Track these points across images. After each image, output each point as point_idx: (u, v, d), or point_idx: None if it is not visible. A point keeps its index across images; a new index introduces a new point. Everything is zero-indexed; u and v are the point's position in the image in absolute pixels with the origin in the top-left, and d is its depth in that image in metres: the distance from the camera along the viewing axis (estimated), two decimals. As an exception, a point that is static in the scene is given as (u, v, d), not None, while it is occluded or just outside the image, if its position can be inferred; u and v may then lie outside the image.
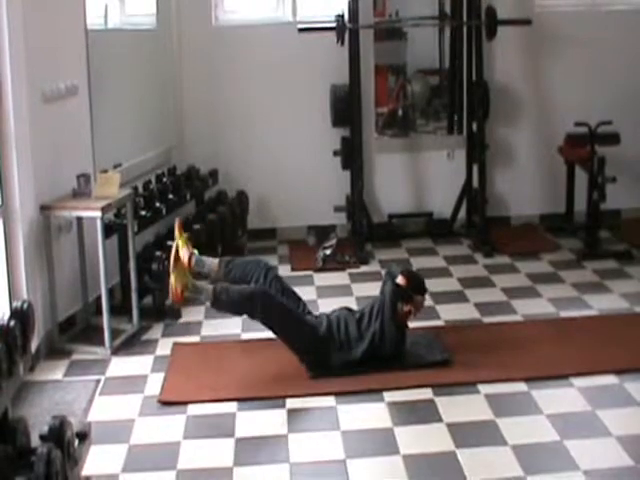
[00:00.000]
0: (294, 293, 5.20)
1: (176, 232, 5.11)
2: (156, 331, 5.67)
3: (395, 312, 4.91)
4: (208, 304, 5.03)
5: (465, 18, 7.39)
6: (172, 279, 4.95)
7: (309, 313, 5.16)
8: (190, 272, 5.02)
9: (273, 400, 4.67)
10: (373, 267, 6.84)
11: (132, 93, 6.63)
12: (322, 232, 7.40)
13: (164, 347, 5.39)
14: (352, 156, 7.19)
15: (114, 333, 5.39)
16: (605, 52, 7.61)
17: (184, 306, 5.99)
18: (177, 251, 5.02)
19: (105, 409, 4.67)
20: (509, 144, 7.75)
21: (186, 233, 5.24)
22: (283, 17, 7.51)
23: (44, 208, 5.24)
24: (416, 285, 5.07)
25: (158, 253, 5.86)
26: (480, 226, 7.29)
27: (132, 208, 5.63)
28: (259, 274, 5.11)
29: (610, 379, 4.78)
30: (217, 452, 4.19)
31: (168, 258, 5.14)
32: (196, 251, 5.14)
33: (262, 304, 4.85)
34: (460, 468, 3.96)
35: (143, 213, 6.05)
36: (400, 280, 5.02)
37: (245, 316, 5.08)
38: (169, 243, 6.02)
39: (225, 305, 4.93)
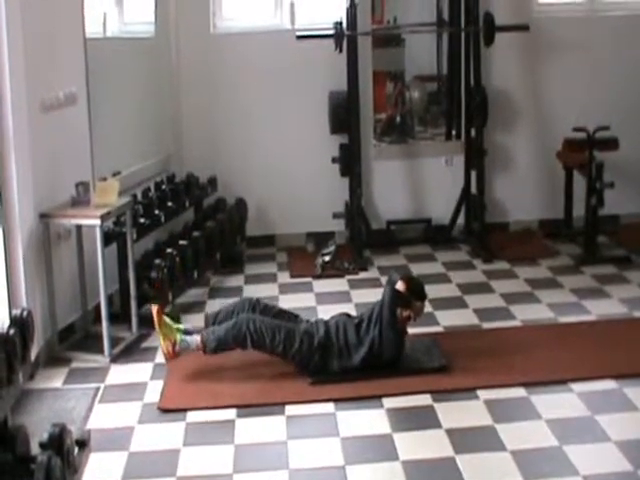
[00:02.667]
0: (287, 312, 5.23)
1: (155, 320, 5.06)
2: (155, 339, 5.63)
3: (394, 318, 4.92)
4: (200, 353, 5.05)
5: (463, 24, 7.40)
6: (161, 340, 5.01)
7: (307, 322, 5.17)
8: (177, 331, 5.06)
9: (272, 407, 4.67)
10: (372, 274, 6.84)
11: (131, 101, 6.64)
12: (321, 239, 7.40)
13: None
14: (351, 163, 7.20)
15: (113, 341, 5.40)
16: (603, 57, 7.63)
17: (183, 313, 6.02)
18: (159, 316, 5.03)
19: (104, 417, 4.67)
20: (507, 150, 7.76)
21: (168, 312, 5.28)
22: (281, 24, 7.52)
23: (43, 216, 5.24)
24: (416, 291, 5.07)
25: (157, 261, 5.87)
26: (479, 232, 7.30)
27: (131, 216, 5.64)
28: (247, 311, 5.11)
29: (609, 384, 4.78)
30: (216, 459, 4.20)
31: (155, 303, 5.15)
32: (181, 325, 5.14)
33: (248, 329, 4.91)
34: (459, 474, 3.96)
35: (142, 221, 6.05)
36: (399, 286, 5.03)
37: (240, 349, 5.03)
38: (168, 250, 6.06)
39: (215, 346, 4.98)
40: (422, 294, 5.09)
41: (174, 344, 4.99)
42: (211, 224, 6.74)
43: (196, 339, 5.01)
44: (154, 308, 5.10)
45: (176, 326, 5.08)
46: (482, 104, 7.27)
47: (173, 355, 5.03)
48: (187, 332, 5.09)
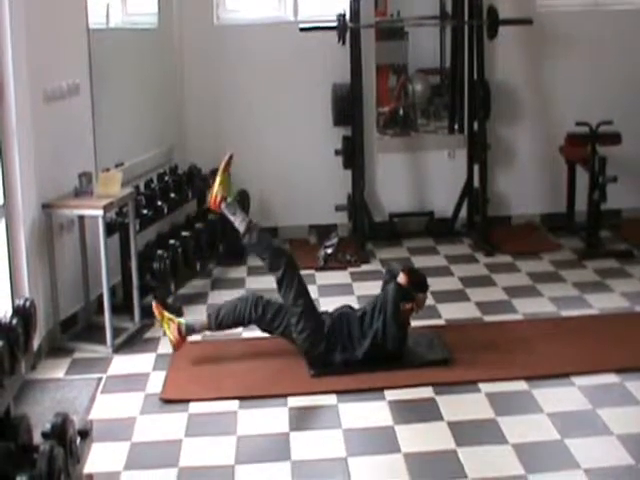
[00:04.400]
0: (309, 292, 5.19)
1: (156, 315, 5.14)
2: (158, 329, 5.66)
3: (398, 311, 4.92)
4: (206, 329, 5.14)
5: (466, 17, 7.39)
6: (217, 182, 5.03)
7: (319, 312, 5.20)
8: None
9: (274, 398, 4.68)
10: (374, 266, 6.84)
11: (134, 92, 6.63)
12: (323, 231, 7.41)
13: (166, 345, 5.37)
14: (353, 155, 7.20)
15: (116, 331, 5.40)
16: (606, 52, 7.62)
17: (186, 305, 6.02)
18: (228, 163, 5.08)
19: (107, 407, 4.68)
20: (510, 143, 7.75)
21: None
22: (285, 16, 7.51)
23: (46, 207, 5.25)
24: (418, 283, 5.07)
25: (160, 252, 5.87)
26: (481, 225, 7.30)
27: (134, 207, 5.64)
28: (250, 310, 5.08)
29: (611, 378, 4.79)
30: (219, 450, 4.20)
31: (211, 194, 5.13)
32: (183, 320, 5.18)
33: (287, 264, 4.98)
34: (461, 466, 3.97)
35: (145, 212, 6.05)
36: (401, 278, 5.03)
37: (267, 263, 5.07)
38: (171, 242, 6.06)
39: (257, 241, 5.05)
40: (424, 285, 5.09)
41: (224, 197, 5.00)
42: (214, 215, 6.73)
43: (244, 217, 5.06)
44: (153, 304, 5.14)
45: (178, 320, 5.11)
46: (485, 98, 7.27)
47: (180, 340, 5.05)
48: (189, 326, 5.11)
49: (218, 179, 5.07)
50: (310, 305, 5.04)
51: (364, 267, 6.83)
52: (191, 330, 5.11)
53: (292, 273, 5.01)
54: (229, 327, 5.15)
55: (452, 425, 4.34)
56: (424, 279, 5.13)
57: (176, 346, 5.11)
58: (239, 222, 5.08)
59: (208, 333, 5.24)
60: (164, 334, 5.19)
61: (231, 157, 5.14)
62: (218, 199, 5.07)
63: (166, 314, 5.13)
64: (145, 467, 4.08)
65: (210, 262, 6.81)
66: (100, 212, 5.19)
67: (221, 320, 5.10)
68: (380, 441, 4.26)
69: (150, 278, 5.85)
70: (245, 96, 7.48)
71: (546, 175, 7.81)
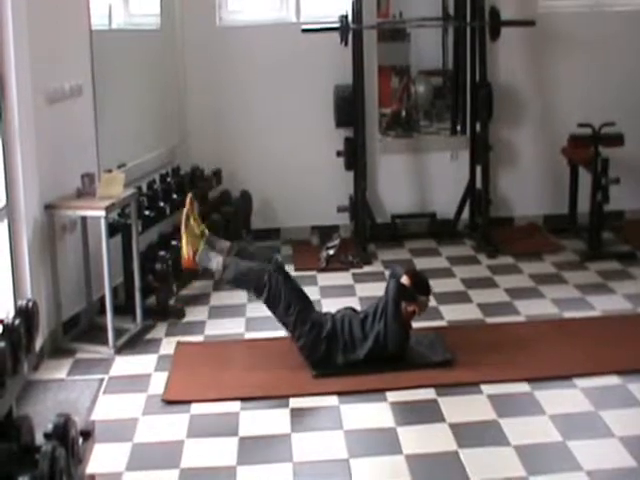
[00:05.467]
0: (302, 291, 5.15)
1: (184, 215, 5.10)
2: (160, 330, 5.68)
3: (399, 311, 4.92)
4: (216, 277, 5.11)
5: (469, 19, 7.38)
6: (183, 244, 5.02)
7: (317, 312, 5.18)
8: (202, 237, 5.06)
9: (276, 399, 4.68)
10: (376, 267, 6.84)
11: (136, 93, 6.64)
12: (325, 232, 7.41)
13: (168, 346, 5.39)
14: (355, 157, 7.19)
15: (118, 332, 5.41)
16: (609, 53, 7.61)
17: (187, 305, 6.02)
18: (187, 218, 5.05)
19: (109, 408, 4.68)
20: (512, 145, 7.75)
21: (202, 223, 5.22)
22: (287, 17, 7.52)
23: (48, 207, 5.25)
24: (420, 285, 5.06)
25: (162, 253, 5.88)
26: (483, 227, 7.29)
27: (136, 208, 5.64)
28: (263, 282, 4.97)
29: (613, 380, 4.78)
30: (220, 451, 4.20)
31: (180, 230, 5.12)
32: (203, 245, 5.07)
33: (270, 282, 4.90)
34: (463, 468, 3.96)
35: (147, 213, 6.06)
36: (404, 280, 5.02)
37: (253, 292, 5.06)
38: (173, 243, 6.06)
39: (233, 277, 4.98)
40: (427, 289, 5.09)
41: (195, 251, 5.00)
42: (216, 217, 6.74)
43: (217, 259, 5.01)
44: (188, 198, 5.09)
45: (201, 229, 5.05)
46: (487, 99, 7.27)
47: (191, 263, 5.03)
48: (210, 244, 5.06)
49: (183, 239, 5.05)
50: (303, 308, 4.98)
51: (366, 268, 6.83)
52: (205, 263, 5.04)
53: (277, 285, 4.91)
54: (236, 287, 5.11)
55: (454, 427, 4.33)
56: (427, 282, 5.12)
57: (186, 264, 5.07)
58: (215, 265, 5.02)
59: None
60: (179, 245, 5.09)
61: (192, 201, 5.10)
62: (191, 256, 5.04)
63: (192, 223, 5.03)
64: (147, 468, 4.08)
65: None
66: (102, 213, 5.19)
67: (232, 278, 5.03)
68: (382, 442, 4.25)
69: (152, 279, 5.85)
70: (247, 97, 7.49)
71: (548, 176, 7.80)
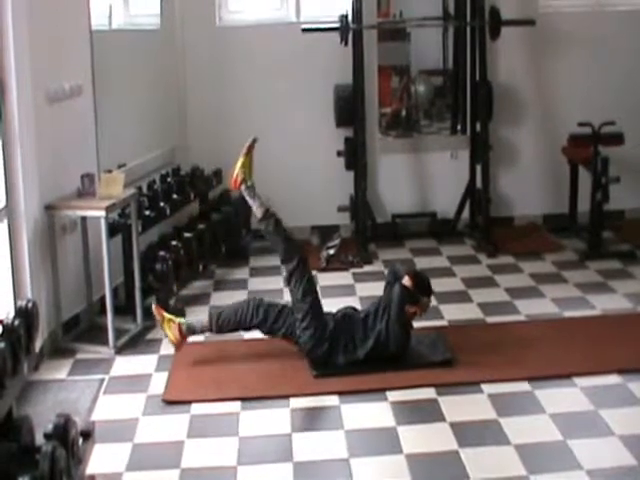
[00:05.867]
0: (290, 308, 5.15)
1: (156, 316, 5.16)
2: (160, 330, 5.66)
3: (403, 314, 4.91)
4: (257, 216, 5.20)
5: (469, 18, 7.38)
6: (238, 164, 5.12)
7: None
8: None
9: (277, 399, 4.68)
10: (377, 267, 6.85)
11: (136, 93, 6.64)
12: (326, 232, 7.41)
13: (168, 346, 5.37)
14: (356, 156, 7.20)
15: (118, 332, 5.41)
16: (609, 52, 7.61)
17: (188, 306, 6.02)
18: (251, 146, 5.19)
19: (109, 408, 4.68)
20: (513, 144, 7.75)
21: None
22: (287, 17, 7.52)
23: (49, 208, 5.25)
24: (422, 286, 5.06)
25: (162, 253, 5.88)
26: (483, 226, 7.29)
27: (136, 208, 5.64)
28: (251, 315, 5.06)
29: (613, 379, 4.78)
30: (221, 451, 4.21)
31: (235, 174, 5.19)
32: (183, 320, 5.19)
33: (300, 260, 5.04)
34: (463, 467, 3.96)
35: (147, 213, 6.06)
36: (406, 281, 5.01)
37: (281, 254, 5.13)
38: (173, 243, 6.07)
39: (272, 228, 5.11)
40: (428, 290, 5.08)
41: (180, 329, 5.03)
42: (216, 217, 6.75)
43: (202, 320, 5.10)
44: (154, 306, 5.16)
45: (178, 320, 5.12)
46: (487, 99, 7.27)
47: (182, 340, 5.07)
48: (190, 326, 5.12)
49: (240, 161, 5.15)
50: (317, 305, 5.05)
51: (366, 268, 6.83)
52: (192, 330, 5.12)
53: (303, 270, 5.04)
54: (230, 331, 5.15)
55: (454, 426, 4.33)
56: (429, 283, 5.11)
57: (177, 346, 5.12)
58: (257, 206, 5.15)
59: (209, 334, 5.24)
60: (165, 336, 5.18)
61: (254, 141, 5.21)
62: (239, 180, 5.14)
63: (166, 315, 5.13)
64: (147, 468, 4.08)
65: (212, 263, 6.81)
66: (102, 213, 5.19)
67: (222, 323, 5.10)
68: (382, 442, 4.26)
69: (152, 279, 5.85)
70: (247, 97, 7.49)
71: (548, 176, 7.80)
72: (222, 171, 7.36)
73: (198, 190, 6.95)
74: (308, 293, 5.00)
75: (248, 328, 5.13)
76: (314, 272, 6.64)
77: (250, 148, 5.18)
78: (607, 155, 6.87)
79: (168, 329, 5.08)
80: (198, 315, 5.87)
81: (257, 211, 5.16)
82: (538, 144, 7.76)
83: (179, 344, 5.10)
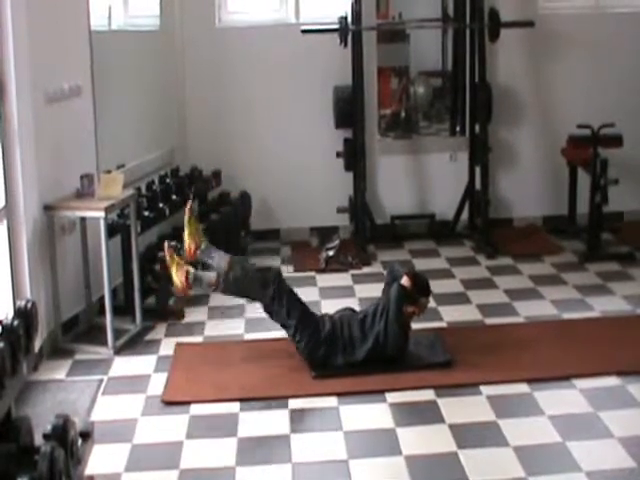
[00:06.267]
0: (300, 299, 5.14)
1: (185, 218, 5.16)
2: (159, 331, 5.68)
3: (401, 314, 4.91)
4: (213, 289, 5.10)
5: (468, 20, 7.39)
6: (186, 235, 5.11)
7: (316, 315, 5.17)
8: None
9: (276, 400, 4.67)
10: (376, 268, 6.84)
11: (135, 94, 6.64)
12: (325, 233, 7.40)
13: (167, 347, 5.39)
14: (355, 157, 7.20)
15: (117, 333, 5.41)
16: (608, 54, 7.62)
17: (187, 306, 6.02)
18: (191, 211, 5.17)
19: (108, 409, 4.68)
20: (512, 146, 7.76)
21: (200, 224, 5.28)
22: (286, 18, 7.52)
23: (48, 208, 5.25)
24: (421, 287, 5.06)
25: (161, 253, 5.86)
26: (483, 228, 7.29)
27: (135, 208, 5.64)
28: (259, 288, 5.02)
29: (612, 380, 4.78)
30: (220, 452, 4.20)
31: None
32: (192, 269, 5.10)
33: (274, 283, 4.94)
34: (462, 469, 3.96)
35: (146, 214, 6.06)
36: (405, 281, 5.01)
37: (258, 297, 5.05)
38: (172, 243, 6.05)
39: (233, 281, 4.99)
40: (427, 290, 5.09)
41: (187, 275, 5.00)
42: (215, 217, 6.74)
43: (210, 275, 5.04)
44: (166, 246, 5.12)
45: (187, 266, 5.07)
46: (487, 100, 7.27)
47: (186, 286, 5.03)
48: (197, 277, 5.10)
49: (186, 231, 5.12)
50: (304, 315, 5.01)
51: (365, 269, 6.83)
52: (198, 281, 5.04)
53: (281, 288, 4.97)
54: (234, 294, 5.13)
55: (453, 427, 4.33)
56: (427, 283, 5.11)
57: (181, 291, 5.07)
58: (217, 262, 5.07)
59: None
60: (170, 282, 5.12)
61: (191, 205, 5.23)
62: (192, 250, 5.11)
63: (176, 257, 5.07)
64: (146, 469, 4.08)
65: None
66: (101, 214, 5.19)
67: (229, 284, 5.04)
68: (381, 443, 4.25)
69: (151, 280, 5.85)
70: (246, 98, 7.49)
71: (548, 177, 7.81)
72: (221, 172, 7.37)
73: (197, 191, 6.93)
74: (292, 308, 4.96)
75: (252, 299, 5.14)
76: (313, 274, 6.69)
77: (190, 213, 5.16)
78: (606, 157, 6.87)
79: (175, 272, 5.02)
80: (198, 315, 5.90)
81: (218, 267, 5.04)
82: (537, 146, 7.77)
83: (183, 289, 5.05)
